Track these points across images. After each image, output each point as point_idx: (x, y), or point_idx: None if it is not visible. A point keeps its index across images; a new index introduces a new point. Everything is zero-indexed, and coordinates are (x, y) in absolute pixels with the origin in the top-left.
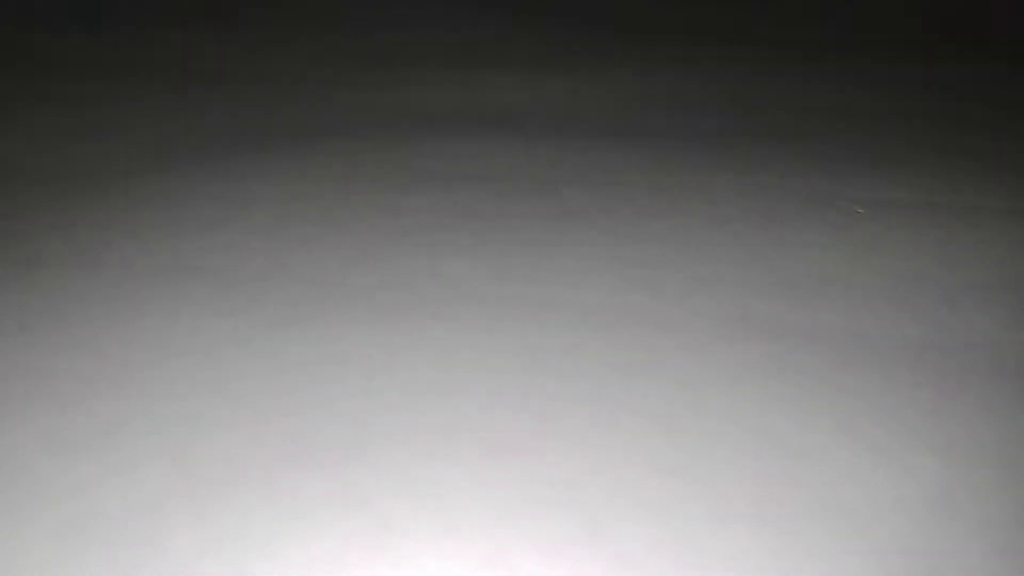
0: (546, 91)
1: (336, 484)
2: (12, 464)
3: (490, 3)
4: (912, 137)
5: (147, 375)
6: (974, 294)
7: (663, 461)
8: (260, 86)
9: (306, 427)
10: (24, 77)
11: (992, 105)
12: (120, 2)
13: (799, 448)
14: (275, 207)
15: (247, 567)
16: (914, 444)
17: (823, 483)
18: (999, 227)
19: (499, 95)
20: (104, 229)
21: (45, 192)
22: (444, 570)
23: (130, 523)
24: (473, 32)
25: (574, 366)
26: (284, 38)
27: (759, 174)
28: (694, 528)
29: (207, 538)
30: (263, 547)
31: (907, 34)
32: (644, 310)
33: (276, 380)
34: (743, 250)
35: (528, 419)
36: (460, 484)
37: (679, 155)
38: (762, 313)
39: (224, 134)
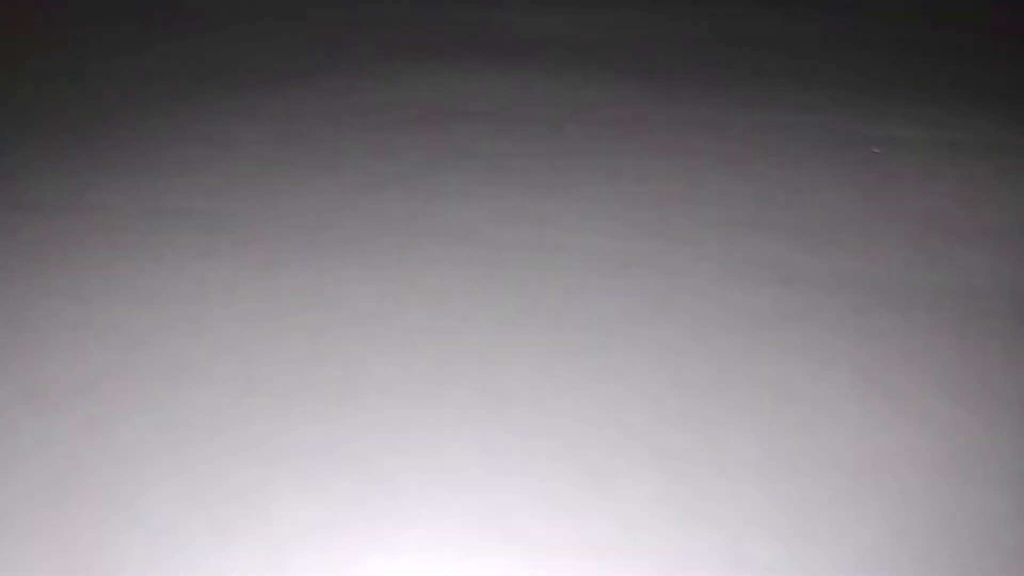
0: (549, 25)
1: (327, 438)
2: None
3: None
4: (930, 71)
5: (129, 322)
6: (994, 236)
7: (668, 410)
8: (247, 21)
9: (295, 377)
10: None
11: (1013, 39)
12: None
13: (812, 396)
14: (263, 147)
15: (234, 525)
16: (931, 391)
17: (837, 432)
18: (1021, 166)
19: (499, 29)
20: (85, 170)
21: (24, 132)
22: (441, 529)
23: (113, 477)
24: None
25: (576, 312)
26: None
27: (770, 110)
28: (702, 481)
29: (192, 494)
30: (251, 504)
31: None
32: (650, 254)
33: (264, 328)
34: (754, 191)
35: (528, 368)
36: (457, 437)
37: (687, 91)
38: (774, 257)
39: (210, 71)
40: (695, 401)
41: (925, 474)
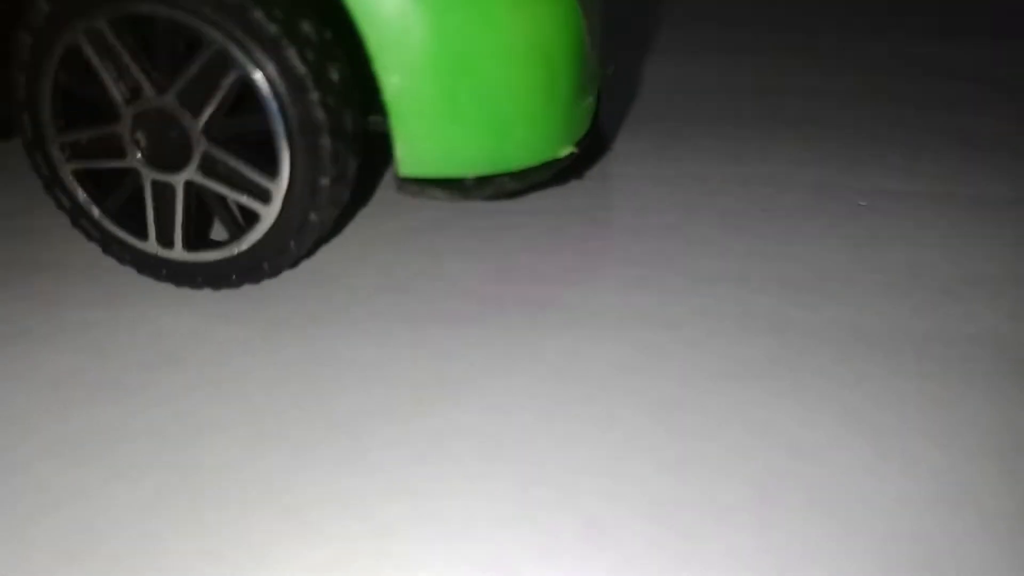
0: None
1: (336, 489)
2: (15, 469)
3: None
4: (917, 123)
5: (148, 379)
6: (977, 286)
7: (663, 459)
8: None
9: (306, 433)
10: None
11: (999, 88)
12: None
13: (801, 443)
14: None
15: (247, 571)
16: (916, 437)
17: (825, 478)
18: (1004, 217)
19: None
20: None
21: (43, 194)
22: (444, 574)
23: (131, 528)
24: None
25: (574, 365)
26: None
27: (761, 164)
28: (695, 526)
29: (207, 543)
30: (263, 553)
31: (911, 14)
32: (645, 308)
33: (276, 384)
34: (744, 244)
35: (528, 420)
36: (460, 487)
37: (680, 143)
38: (764, 308)
39: None
40: (689, 448)
41: (912, 516)
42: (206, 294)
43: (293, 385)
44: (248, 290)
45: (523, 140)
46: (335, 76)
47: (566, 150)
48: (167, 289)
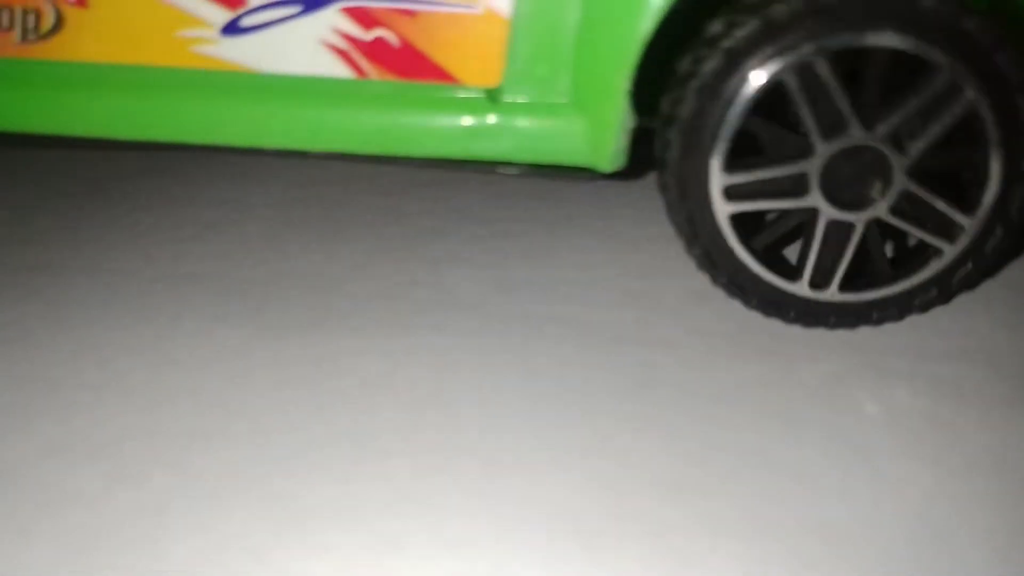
0: None
1: (337, 499)
2: (16, 472)
3: None
4: None
5: (149, 383)
6: (973, 296)
7: (659, 477)
8: None
9: (306, 440)
10: None
11: None
12: None
13: (794, 462)
14: (275, 211)
15: None
16: (908, 455)
17: (817, 497)
18: None
19: None
20: (105, 233)
21: (46, 195)
22: None
23: (131, 533)
24: None
25: (573, 382)
26: None
27: None
28: (689, 544)
29: (207, 552)
30: (264, 562)
31: None
32: (641, 325)
33: (276, 391)
34: None
35: (526, 435)
36: (459, 501)
37: None
38: (760, 326)
39: None
40: (681, 470)
41: (902, 537)
42: (206, 296)
43: (293, 392)
44: (248, 293)
45: None
46: None
47: None
48: (167, 291)
